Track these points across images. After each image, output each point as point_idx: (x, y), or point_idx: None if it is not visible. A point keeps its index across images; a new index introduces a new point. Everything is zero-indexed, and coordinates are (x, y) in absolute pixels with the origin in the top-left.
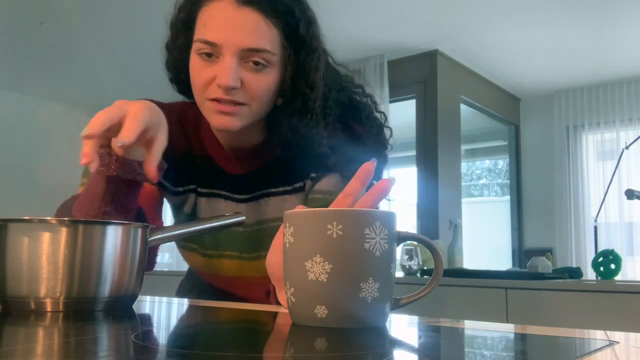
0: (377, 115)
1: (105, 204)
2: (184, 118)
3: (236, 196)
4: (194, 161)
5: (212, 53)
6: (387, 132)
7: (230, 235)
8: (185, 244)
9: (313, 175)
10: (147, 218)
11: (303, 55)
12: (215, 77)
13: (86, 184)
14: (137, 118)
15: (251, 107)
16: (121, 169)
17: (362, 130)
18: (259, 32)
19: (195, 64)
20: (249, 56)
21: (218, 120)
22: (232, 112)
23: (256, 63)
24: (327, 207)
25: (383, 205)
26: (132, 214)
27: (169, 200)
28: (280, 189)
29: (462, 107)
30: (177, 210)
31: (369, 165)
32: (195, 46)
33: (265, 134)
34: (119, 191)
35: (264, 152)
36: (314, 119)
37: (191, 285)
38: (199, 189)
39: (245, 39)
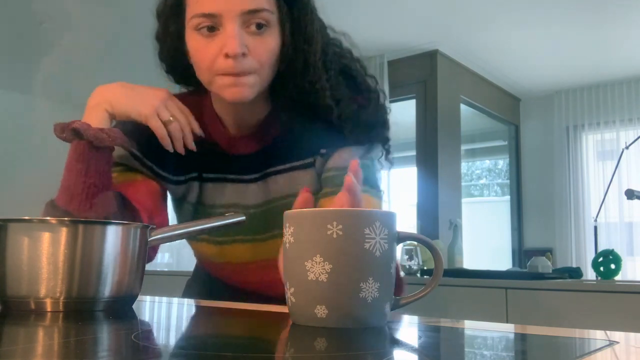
0: (368, 80)
1: (90, 176)
2: (186, 105)
3: (243, 177)
4: (198, 148)
5: (212, 26)
6: (381, 96)
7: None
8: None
9: (323, 151)
10: (152, 215)
11: (296, 11)
12: (221, 50)
13: (65, 167)
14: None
15: (260, 74)
16: (99, 139)
17: (362, 99)
18: None
19: (196, 42)
20: (249, 19)
21: (231, 93)
22: (244, 83)
23: (258, 26)
24: (338, 184)
25: (383, 206)
26: (111, 182)
27: (172, 193)
28: (288, 165)
29: (462, 107)
30: (180, 201)
31: (355, 166)
32: (193, 23)
33: (269, 107)
34: (98, 160)
35: (268, 129)
36: (317, 73)
37: (200, 286)
38: (204, 175)
39: (243, 2)
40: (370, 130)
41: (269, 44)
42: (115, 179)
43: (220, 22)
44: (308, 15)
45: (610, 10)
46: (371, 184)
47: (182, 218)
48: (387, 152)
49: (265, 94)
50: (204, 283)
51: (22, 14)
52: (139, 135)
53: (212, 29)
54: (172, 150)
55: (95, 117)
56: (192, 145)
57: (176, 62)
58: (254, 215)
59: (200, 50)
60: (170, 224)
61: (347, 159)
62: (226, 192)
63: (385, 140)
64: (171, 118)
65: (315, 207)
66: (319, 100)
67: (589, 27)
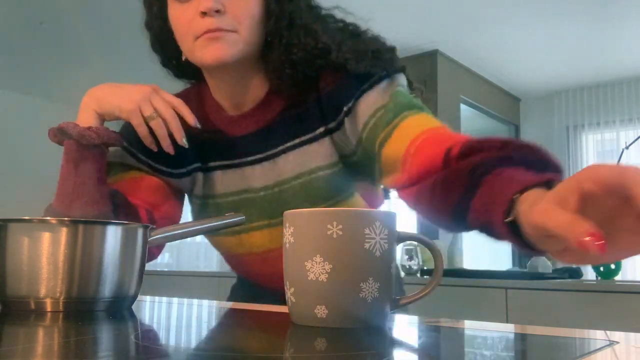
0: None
1: (79, 175)
2: (187, 101)
3: (249, 159)
4: (198, 138)
5: None
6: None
7: (253, 204)
8: None
9: (346, 108)
10: (152, 210)
11: None
12: (197, 10)
13: (60, 170)
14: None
15: (241, 34)
16: (84, 137)
17: (358, 28)
18: None
19: (174, 11)
20: None
21: (210, 52)
22: (222, 37)
23: None
24: (389, 121)
25: (383, 206)
26: (104, 181)
27: (180, 187)
28: (297, 140)
29: (462, 107)
30: (190, 197)
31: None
32: None
33: (267, 84)
34: (87, 159)
35: (269, 105)
36: (304, 24)
37: (246, 289)
38: (209, 163)
39: None
40: (377, 57)
41: (247, 3)
42: (113, 177)
43: None
44: None
45: (610, 10)
46: (417, 106)
47: (195, 215)
48: (410, 82)
49: (260, 67)
50: (250, 287)
51: (22, 14)
52: (134, 131)
53: None
54: (155, 149)
55: (84, 118)
56: (182, 141)
57: (167, 47)
58: (265, 198)
59: (177, 17)
60: (186, 219)
61: (377, 97)
62: (233, 179)
63: (400, 68)
64: (154, 114)
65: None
66: (312, 44)
67: (589, 27)
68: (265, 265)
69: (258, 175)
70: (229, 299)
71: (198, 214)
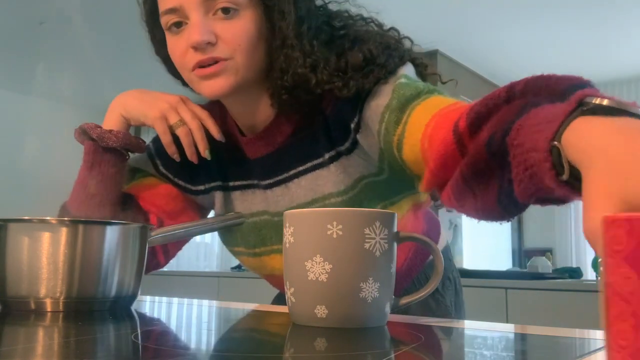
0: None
1: (93, 177)
2: (211, 115)
3: (263, 182)
4: (221, 156)
5: (179, 21)
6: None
7: (273, 227)
8: (233, 248)
9: (353, 125)
10: (165, 218)
11: None
12: (187, 43)
13: (80, 170)
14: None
15: (236, 60)
16: (103, 138)
17: (346, 44)
18: None
19: (169, 42)
20: (213, 5)
21: (207, 87)
22: (218, 72)
23: (226, 10)
24: (397, 120)
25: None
26: (119, 185)
27: (199, 202)
28: (309, 164)
29: None
30: (203, 213)
31: None
32: (163, 23)
33: (275, 107)
34: (104, 161)
35: (281, 126)
36: (290, 45)
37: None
38: (231, 183)
39: None
40: (370, 69)
41: (240, 27)
42: (132, 182)
43: (185, 14)
44: None
45: (610, 10)
46: (424, 92)
47: (220, 234)
48: (423, 66)
49: (266, 88)
50: None
51: (22, 14)
52: (159, 142)
53: (179, 25)
54: (178, 159)
55: (110, 120)
56: (205, 153)
57: (176, 72)
58: (281, 224)
59: (173, 48)
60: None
61: (380, 99)
62: (253, 200)
63: (399, 62)
64: (179, 122)
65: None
66: (292, 69)
67: (589, 27)
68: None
69: (273, 199)
70: (273, 302)
71: (222, 234)
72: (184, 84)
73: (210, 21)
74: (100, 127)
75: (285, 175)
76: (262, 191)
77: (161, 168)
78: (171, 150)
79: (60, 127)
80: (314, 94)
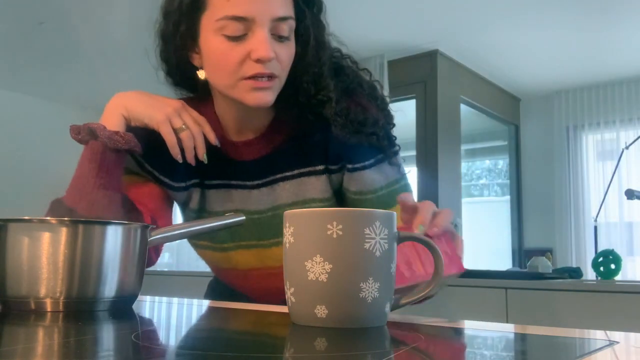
0: (361, 74)
1: (101, 177)
2: None
3: (247, 183)
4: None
5: (239, 29)
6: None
7: (245, 225)
8: (197, 242)
9: (349, 166)
10: (155, 217)
11: (309, 19)
12: (249, 53)
13: (77, 167)
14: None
15: (281, 79)
16: (113, 140)
17: (367, 104)
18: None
19: (220, 45)
20: (277, 26)
21: (255, 97)
22: (269, 87)
23: (280, 37)
24: (376, 205)
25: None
26: (121, 186)
27: (174, 199)
28: (296, 171)
29: (462, 107)
30: (183, 208)
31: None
32: (217, 25)
33: (272, 113)
34: (111, 162)
35: (273, 135)
36: (326, 81)
37: (222, 286)
38: (206, 182)
39: (275, 7)
40: (361, 128)
41: (290, 51)
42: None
43: (251, 26)
44: (322, 23)
45: (610, 10)
46: (392, 203)
47: None
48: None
49: None
50: (225, 286)
51: (22, 14)
52: (145, 141)
53: (237, 33)
54: (181, 161)
55: (111, 121)
56: (203, 157)
57: (181, 63)
58: (258, 221)
59: (225, 53)
60: None
61: (369, 180)
62: (229, 198)
63: (386, 146)
64: (183, 127)
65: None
66: (325, 110)
67: (589, 27)
68: (246, 281)
69: (254, 199)
70: (206, 294)
71: None
72: (168, 72)
73: (270, 39)
74: (107, 128)
75: (273, 178)
76: (238, 190)
77: (147, 166)
78: (175, 151)
79: (60, 127)
80: (316, 115)
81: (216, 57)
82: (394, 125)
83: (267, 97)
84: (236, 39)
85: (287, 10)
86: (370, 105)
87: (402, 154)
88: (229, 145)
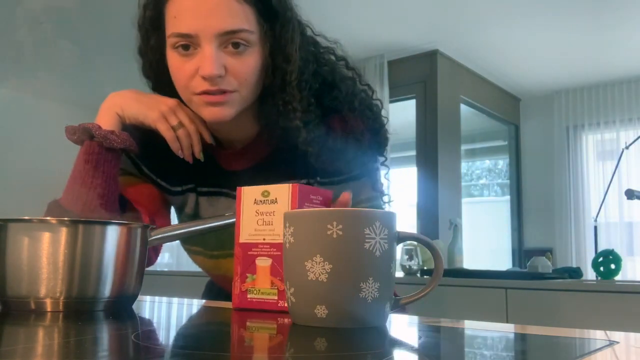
0: (363, 88)
1: (97, 177)
2: None
3: (234, 193)
4: (196, 161)
5: (188, 45)
6: (378, 106)
7: (233, 233)
8: (191, 247)
9: (319, 179)
10: (153, 218)
11: (278, 29)
12: (198, 70)
13: (73, 168)
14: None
15: (241, 93)
16: (109, 140)
17: (355, 123)
18: (233, 12)
19: (174, 61)
20: (227, 40)
21: (210, 112)
22: (223, 101)
23: (236, 45)
24: None
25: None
26: (118, 186)
27: (171, 202)
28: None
29: (462, 107)
30: (179, 212)
31: (347, 199)
32: (170, 42)
33: (258, 125)
34: (107, 162)
35: (259, 146)
36: (291, 94)
37: (218, 287)
38: (199, 188)
39: (220, 22)
40: (338, 159)
41: (248, 63)
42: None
43: (197, 42)
44: (289, 33)
45: (610, 10)
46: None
47: None
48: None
49: (254, 111)
50: (220, 288)
51: (22, 14)
52: (141, 144)
53: (188, 48)
54: (182, 156)
55: (106, 120)
56: (199, 155)
57: (160, 77)
58: None
59: (177, 68)
60: None
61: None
62: (220, 206)
63: (373, 170)
64: (180, 124)
65: None
66: (288, 122)
67: (589, 27)
68: None
69: None
70: (203, 294)
71: None
72: (154, 87)
73: (221, 54)
74: (102, 128)
75: None
76: (229, 199)
77: (144, 169)
78: (176, 146)
79: (60, 127)
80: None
81: (172, 72)
82: (384, 146)
83: (223, 112)
84: (186, 54)
85: (238, 22)
86: (356, 127)
87: (402, 154)
88: (219, 154)
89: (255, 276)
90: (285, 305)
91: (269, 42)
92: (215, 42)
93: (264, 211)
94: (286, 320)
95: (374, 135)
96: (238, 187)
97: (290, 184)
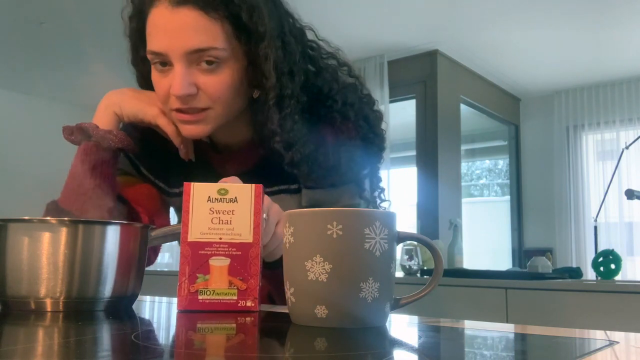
0: (362, 97)
1: (95, 177)
2: None
3: None
4: (190, 161)
5: (165, 62)
6: (375, 114)
7: None
8: None
9: (307, 185)
10: (153, 218)
11: (253, 45)
12: (170, 88)
13: (71, 168)
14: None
15: (216, 110)
16: (106, 139)
17: (348, 133)
18: (201, 30)
19: (154, 76)
20: (198, 58)
21: (186, 129)
22: (197, 120)
23: (209, 62)
24: None
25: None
26: (116, 186)
27: (169, 203)
28: (275, 188)
29: (462, 107)
30: (179, 212)
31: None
32: (149, 57)
33: (250, 132)
34: (105, 162)
35: (253, 150)
36: (269, 115)
37: None
38: None
39: (187, 41)
40: (332, 174)
41: (222, 80)
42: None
43: (168, 60)
44: (263, 50)
45: (610, 10)
46: None
47: None
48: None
49: (246, 117)
50: None
51: (22, 13)
52: (139, 145)
53: (164, 65)
54: (184, 150)
55: (104, 119)
56: (192, 154)
57: (152, 87)
58: None
59: (156, 84)
60: None
61: (318, 200)
62: None
63: (361, 178)
64: None
65: None
66: (271, 144)
67: (589, 27)
68: None
69: None
70: None
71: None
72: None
73: (193, 71)
74: (99, 128)
75: None
76: None
77: (142, 169)
78: (178, 140)
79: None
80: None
81: (154, 86)
82: (379, 155)
83: (199, 129)
84: (162, 70)
85: (206, 40)
86: (348, 137)
87: (402, 154)
88: (213, 158)
89: (208, 276)
90: (247, 304)
91: (245, 58)
92: (184, 61)
93: (220, 209)
94: (286, 320)
95: (367, 145)
96: (186, 183)
97: (254, 185)
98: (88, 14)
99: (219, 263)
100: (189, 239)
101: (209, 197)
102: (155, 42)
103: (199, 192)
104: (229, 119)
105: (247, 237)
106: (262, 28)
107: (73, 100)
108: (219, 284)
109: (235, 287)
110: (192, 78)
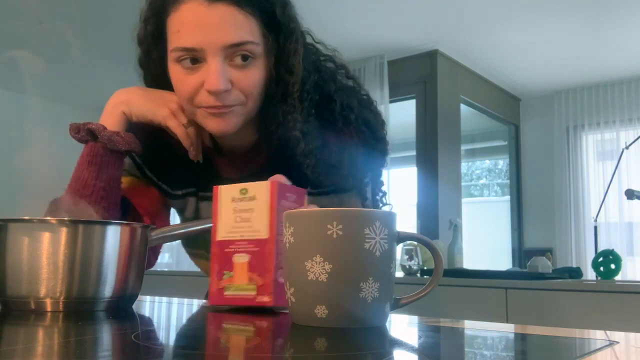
0: (361, 99)
1: (100, 179)
2: None
3: None
4: (194, 164)
5: (196, 58)
6: (374, 115)
7: None
8: (193, 250)
9: (309, 190)
10: (154, 220)
11: (282, 40)
12: (202, 83)
13: (76, 168)
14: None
15: (246, 105)
16: (113, 141)
17: (351, 137)
18: (238, 25)
19: (177, 74)
20: (233, 52)
21: (214, 123)
22: (227, 112)
23: (244, 58)
24: None
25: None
26: (120, 188)
27: (171, 205)
28: None
29: (462, 107)
30: (180, 214)
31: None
32: (173, 55)
33: (255, 134)
34: (111, 164)
35: (257, 154)
36: (292, 105)
37: None
38: (200, 193)
39: (225, 35)
40: (334, 173)
41: (254, 76)
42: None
43: (203, 55)
44: (293, 44)
45: (610, 11)
46: None
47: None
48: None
49: (254, 120)
50: None
51: (22, 13)
52: (144, 147)
53: (194, 61)
54: (194, 152)
55: (112, 119)
56: (200, 156)
57: (162, 88)
58: None
59: (181, 81)
60: None
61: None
62: None
63: (363, 186)
64: (189, 122)
65: None
66: (288, 133)
67: (589, 27)
68: None
69: None
70: (206, 294)
71: (187, 237)
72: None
73: (227, 67)
74: (107, 129)
75: None
76: None
77: (147, 171)
78: (188, 142)
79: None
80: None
81: (175, 85)
82: (382, 160)
83: (228, 123)
84: (191, 67)
85: (244, 34)
86: (351, 141)
87: (402, 154)
88: (217, 161)
89: (232, 273)
90: (263, 300)
91: (273, 54)
92: (221, 56)
93: (241, 208)
94: (286, 320)
95: (370, 150)
96: (215, 186)
97: (270, 181)
98: (89, 14)
99: (240, 260)
100: (217, 239)
101: (233, 197)
102: (187, 38)
103: (225, 194)
104: (251, 117)
105: (264, 233)
106: (293, 24)
107: (73, 100)
108: (241, 280)
109: (254, 283)
110: (228, 73)
